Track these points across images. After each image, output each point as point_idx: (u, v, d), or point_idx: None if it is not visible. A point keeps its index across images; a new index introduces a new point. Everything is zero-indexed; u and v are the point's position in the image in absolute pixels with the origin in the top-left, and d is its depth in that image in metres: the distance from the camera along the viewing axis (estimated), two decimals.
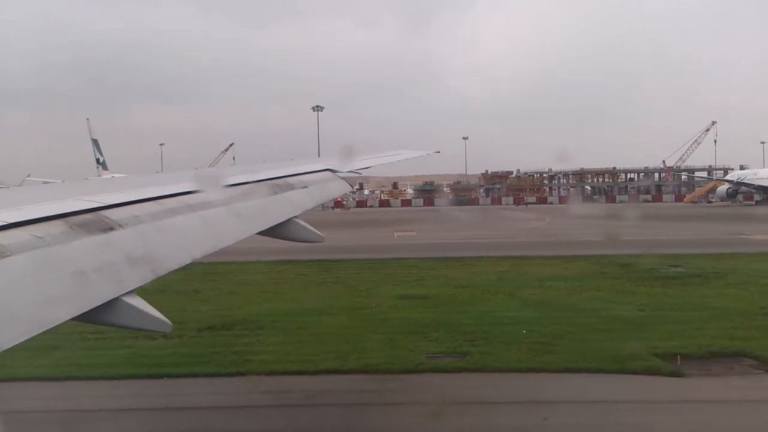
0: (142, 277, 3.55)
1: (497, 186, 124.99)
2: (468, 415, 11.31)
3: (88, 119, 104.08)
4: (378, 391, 12.85)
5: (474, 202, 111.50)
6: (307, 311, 19.38)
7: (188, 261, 4.12)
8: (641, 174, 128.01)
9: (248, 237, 5.26)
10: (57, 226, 3.38)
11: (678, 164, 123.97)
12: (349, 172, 9.22)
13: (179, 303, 20.00)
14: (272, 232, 5.80)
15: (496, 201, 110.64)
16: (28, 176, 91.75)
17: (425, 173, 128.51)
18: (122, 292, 3.31)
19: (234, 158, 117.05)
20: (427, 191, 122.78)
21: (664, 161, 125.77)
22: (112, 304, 3.24)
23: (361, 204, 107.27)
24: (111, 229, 3.70)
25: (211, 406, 12.22)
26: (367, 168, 10.66)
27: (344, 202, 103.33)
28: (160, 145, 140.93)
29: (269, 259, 28.66)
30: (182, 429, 11.25)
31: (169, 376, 13.51)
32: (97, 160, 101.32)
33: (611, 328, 16.60)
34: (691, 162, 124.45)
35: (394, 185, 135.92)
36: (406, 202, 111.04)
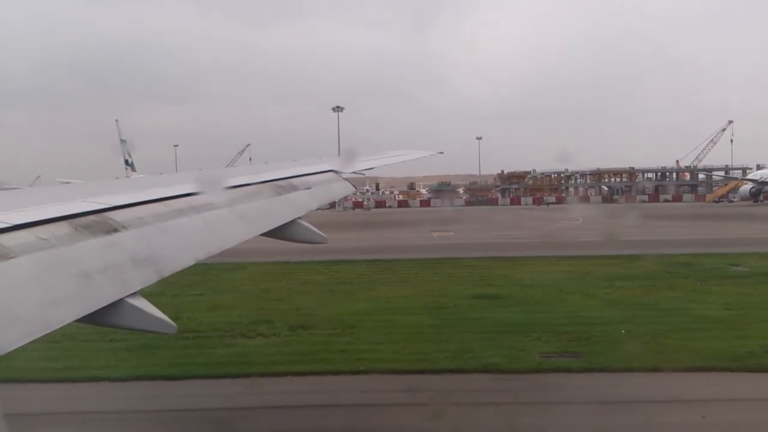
0: (147, 278, 3.55)
1: (514, 186, 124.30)
2: (630, 414, 11.36)
3: (117, 120, 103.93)
4: (514, 390, 12.86)
5: (493, 202, 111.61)
6: (386, 310, 19.48)
7: (192, 262, 4.12)
8: (660, 174, 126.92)
9: (255, 238, 5.25)
10: (61, 227, 3.38)
11: (695, 164, 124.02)
12: (352, 173, 9.21)
13: (255, 302, 20.86)
14: (276, 233, 5.79)
15: (515, 201, 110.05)
16: (38, 177, 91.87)
17: (430, 174, 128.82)
18: (126, 294, 3.31)
19: (250, 159, 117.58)
20: (445, 191, 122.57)
21: (678, 161, 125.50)
22: (117, 305, 3.24)
23: (380, 204, 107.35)
24: (115, 230, 3.71)
25: (350, 403, 12.33)
26: (370, 169, 10.66)
27: (364, 203, 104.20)
28: (174, 146, 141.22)
29: (322, 259, 29.37)
30: (329, 426, 11.30)
31: (291, 374, 13.61)
32: (126, 161, 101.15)
33: (707, 327, 16.62)
34: (707, 162, 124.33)
35: (411, 186, 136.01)
36: (425, 203, 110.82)
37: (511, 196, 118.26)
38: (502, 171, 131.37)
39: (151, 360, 14.14)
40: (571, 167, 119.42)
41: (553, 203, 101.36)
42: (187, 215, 4.57)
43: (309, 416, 11.66)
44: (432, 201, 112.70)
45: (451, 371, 13.57)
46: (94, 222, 3.65)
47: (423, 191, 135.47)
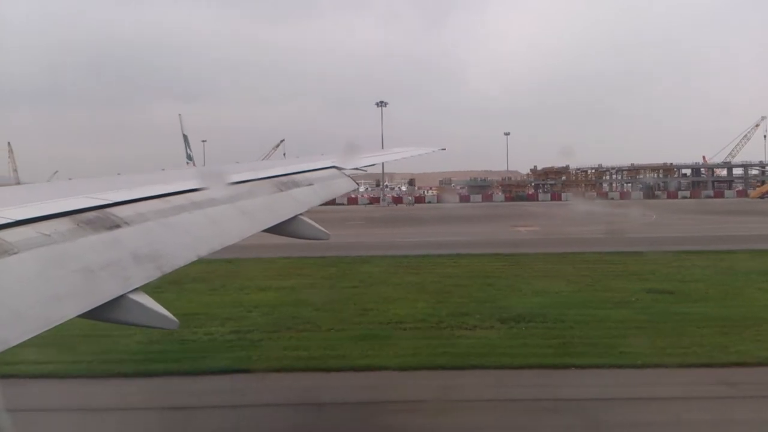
0: (149, 274, 3.55)
1: (551, 182, 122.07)
2: None
3: (179, 115, 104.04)
4: None
5: (533, 198, 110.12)
6: (571, 304, 19.17)
7: (194, 258, 4.11)
8: (694, 170, 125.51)
9: (256, 234, 5.25)
10: (64, 223, 3.39)
11: (728, 160, 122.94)
12: (354, 169, 9.20)
13: (423, 294, 21.01)
14: (278, 229, 5.79)
15: (556, 197, 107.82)
16: (56, 173, 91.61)
17: (441, 170, 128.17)
18: (129, 290, 3.31)
19: (284, 154, 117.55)
20: (482, 187, 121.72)
21: (704, 157, 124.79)
22: (119, 301, 3.25)
23: (419, 200, 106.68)
24: (117, 226, 3.71)
25: (671, 397, 12.04)
26: (372, 165, 10.64)
27: (403, 199, 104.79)
28: (203, 141, 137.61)
29: (436, 252, 30.17)
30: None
31: (576, 367, 13.53)
32: (188, 156, 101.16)
33: None
34: (741, 158, 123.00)
35: (448, 181, 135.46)
36: (465, 198, 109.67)
37: (552, 192, 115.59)
38: (535, 167, 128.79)
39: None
40: (604, 164, 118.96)
41: (593, 199, 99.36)
42: (189, 211, 4.57)
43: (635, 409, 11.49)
44: (470, 197, 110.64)
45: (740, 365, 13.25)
46: (96, 218, 3.65)
47: (458, 187, 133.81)
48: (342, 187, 8.53)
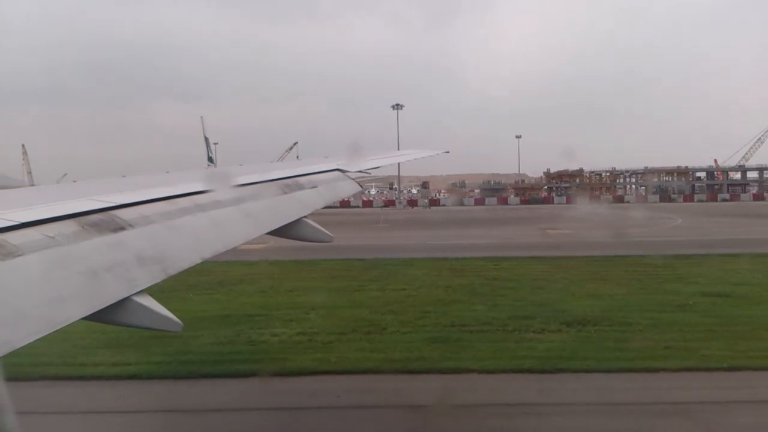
0: (153, 276, 3.55)
1: (565, 185, 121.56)
2: None
3: (201, 117, 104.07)
4: None
5: (548, 201, 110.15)
6: (630, 307, 19.12)
7: (198, 261, 4.12)
8: (713, 173, 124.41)
9: (260, 237, 5.27)
10: (68, 225, 3.39)
11: (741, 162, 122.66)
12: (358, 171, 9.20)
13: (475, 297, 20.99)
14: (282, 231, 5.79)
15: (571, 200, 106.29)
16: (65, 175, 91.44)
17: (447, 173, 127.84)
18: (133, 292, 3.32)
19: (298, 156, 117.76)
20: (495, 190, 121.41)
21: (715, 160, 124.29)
22: (123, 303, 3.25)
23: (434, 203, 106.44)
24: (122, 228, 3.71)
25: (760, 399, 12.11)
26: (376, 168, 10.64)
27: (418, 201, 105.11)
28: (214, 144, 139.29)
29: (470, 255, 30.48)
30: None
31: (671, 370, 13.47)
32: (209, 158, 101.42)
33: None
34: (755, 161, 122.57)
35: (462, 184, 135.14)
36: (480, 201, 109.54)
37: (567, 195, 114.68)
38: (548, 170, 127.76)
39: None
40: (608, 165, 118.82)
41: (610, 202, 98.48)
42: (194, 213, 4.58)
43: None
44: (485, 200, 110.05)
45: None
46: (101, 220, 3.66)
47: (471, 190, 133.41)
48: (346, 189, 8.53)
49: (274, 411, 12.17)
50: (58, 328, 2.75)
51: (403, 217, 73.10)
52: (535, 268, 27.55)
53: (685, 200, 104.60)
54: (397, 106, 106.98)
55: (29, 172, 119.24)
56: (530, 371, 13.56)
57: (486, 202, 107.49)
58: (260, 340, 16.17)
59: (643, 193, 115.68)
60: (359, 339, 16.09)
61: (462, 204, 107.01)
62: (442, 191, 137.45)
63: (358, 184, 9.16)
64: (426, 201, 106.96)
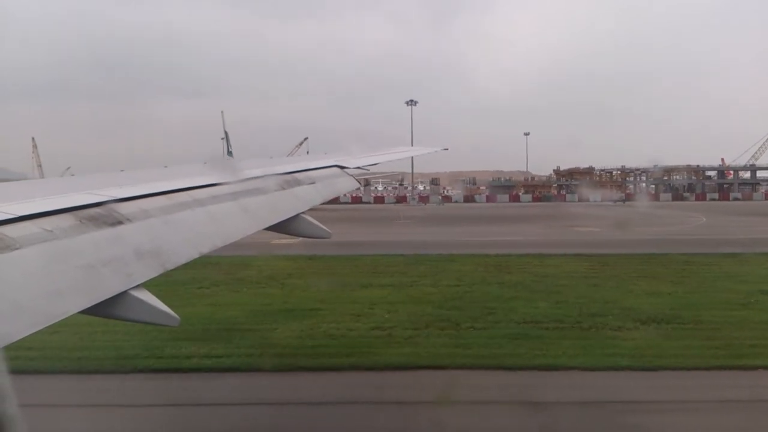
0: (151, 271, 3.55)
1: (575, 183, 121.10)
2: None
3: (222, 112, 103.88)
4: None
5: (561, 198, 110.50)
6: (695, 306, 19.07)
7: (196, 255, 4.12)
8: (723, 172, 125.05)
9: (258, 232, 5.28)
10: (66, 219, 3.39)
11: (751, 162, 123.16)
12: (356, 168, 9.21)
13: (537, 294, 20.88)
14: (280, 227, 5.80)
15: (583, 197, 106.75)
16: (68, 169, 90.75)
17: (449, 170, 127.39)
18: (131, 286, 3.32)
19: (308, 152, 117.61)
20: (506, 187, 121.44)
21: (723, 159, 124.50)
22: (121, 297, 3.25)
23: (446, 200, 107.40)
24: (120, 222, 3.71)
25: None
26: (374, 164, 10.64)
27: (429, 198, 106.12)
28: (222, 138, 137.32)
29: (519, 252, 30.61)
30: None
31: (760, 368, 13.52)
32: (229, 153, 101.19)
33: None
34: (763, 160, 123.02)
35: (472, 181, 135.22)
36: (491, 198, 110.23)
37: (580, 193, 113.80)
38: (558, 167, 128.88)
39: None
40: (638, 164, 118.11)
41: (622, 200, 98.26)
42: (192, 208, 4.57)
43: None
44: (497, 197, 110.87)
45: None
46: (99, 214, 3.65)
47: (483, 187, 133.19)
48: (344, 186, 8.54)
49: (394, 405, 12.08)
50: (55, 321, 2.75)
51: (420, 214, 73.08)
52: (580, 265, 27.45)
53: (696, 199, 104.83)
54: (411, 102, 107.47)
55: (39, 165, 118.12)
56: (630, 368, 13.54)
57: (498, 199, 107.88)
58: (338, 334, 16.14)
59: (653, 191, 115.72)
60: (437, 335, 16.03)
61: (474, 201, 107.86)
62: (447, 188, 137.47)
63: (357, 180, 9.17)
64: (439, 197, 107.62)
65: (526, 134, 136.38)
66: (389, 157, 11.88)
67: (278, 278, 24.28)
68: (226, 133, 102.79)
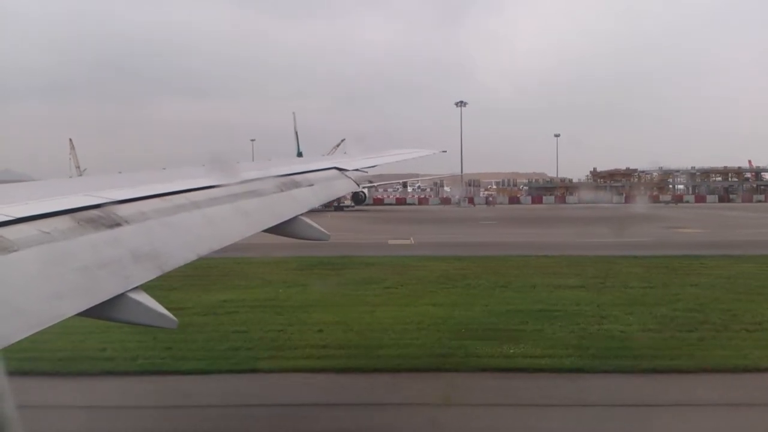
0: (148, 273, 3.56)
1: (617, 184, 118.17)
2: None
3: (293, 113, 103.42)
4: None
5: (605, 201, 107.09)
6: None
7: (194, 257, 4.13)
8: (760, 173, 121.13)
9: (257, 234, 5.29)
10: (64, 221, 3.39)
11: None
12: (354, 170, 9.23)
13: (643, 299, 19.48)
14: (278, 229, 5.82)
15: (630, 199, 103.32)
16: (84, 170, 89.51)
17: (452, 172, 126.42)
18: (128, 288, 3.33)
19: (345, 152, 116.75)
20: (546, 188, 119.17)
21: (750, 161, 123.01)
22: (118, 300, 3.26)
23: (489, 202, 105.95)
24: (118, 224, 3.72)
25: None
26: (373, 166, 10.65)
27: (473, 199, 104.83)
28: (252, 140, 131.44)
29: (666, 254, 29.03)
30: None
31: None
32: (299, 153, 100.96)
33: None
34: None
35: (513, 182, 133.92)
36: (537, 199, 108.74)
37: (624, 195, 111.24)
38: (594, 169, 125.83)
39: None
40: (674, 165, 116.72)
41: (670, 202, 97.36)
42: (190, 210, 4.58)
43: None
44: (542, 199, 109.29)
45: None
46: (97, 216, 3.66)
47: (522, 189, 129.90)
48: (342, 188, 8.56)
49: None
50: (52, 323, 2.76)
51: (489, 215, 70.35)
52: (744, 266, 25.61)
53: (743, 200, 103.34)
54: (461, 104, 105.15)
55: (77, 167, 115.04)
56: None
57: (543, 200, 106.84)
58: (616, 335, 15.34)
59: (697, 193, 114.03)
60: (714, 336, 15.15)
61: (519, 202, 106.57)
62: (467, 189, 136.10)
63: (356, 182, 9.18)
64: (489, 198, 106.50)
65: (557, 136, 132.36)
66: (388, 159, 11.89)
67: (455, 279, 22.80)
68: (296, 133, 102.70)
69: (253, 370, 13.07)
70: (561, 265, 26.72)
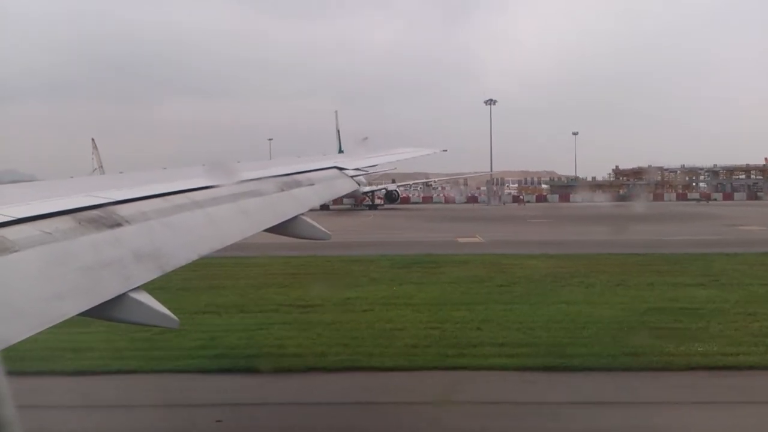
0: (149, 273, 3.56)
1: (642, 183, 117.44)
2: None
3: (336, 111, 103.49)
4: None
5: (630, 198, 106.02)
6: None
7: (195, 257, 4.13)
8: None
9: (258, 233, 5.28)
10: (65, 221, 3.39)
11: None
12: (355, 169, 9.24)
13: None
14: (278, 229, 5.82)
15: (658, 197, 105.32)
16: (95, 170, 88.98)
17: (456, 171, 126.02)
18: (129, 288, 3.33)
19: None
20: (569, 187, 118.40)
21: (766, 158, 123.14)
22: (120, 299, 3.26)
23: (517, 200, 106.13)
24: (119, 225, 3.72)
25: None
26: (374, 166, 10.66)
27: (501, 197, 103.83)
28: (269, 140, 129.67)
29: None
30: None
31: None
32: (340, 151, 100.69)
33: None
34: None
35: (537, 181, 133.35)
36: (565, 197, 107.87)
37: (655, 192, 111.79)
38: (617, 167, 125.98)
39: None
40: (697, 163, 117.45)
41: (700, 200, 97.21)
42: (191, 210, 4.59)
43: None
44: (569, 197, 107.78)
45: None
46: (98, 216, 3.66)
47: (544, 186, 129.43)
48: (343, 187, 8.56)
49: None
50: (54, 324, 2.76)
51: (532, 213, 68.76)
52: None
53: None
54: (490, 102, 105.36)
55: (100, 166, 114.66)
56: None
57: (570, 198, 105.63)
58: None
59: (727, 191, 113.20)
60: None
61: (546, 200, 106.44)
62: (480, 188, 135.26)
63: (355, 182, 9.18)
64: (519, 197, 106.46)
65: (575, 134, 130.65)
66: (388, 159, 11.90)
67: (564, 277, 22.29)
68: (338, 131, 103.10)
69: (462, 368, 12.68)
70: (659, 262, 25.90)
